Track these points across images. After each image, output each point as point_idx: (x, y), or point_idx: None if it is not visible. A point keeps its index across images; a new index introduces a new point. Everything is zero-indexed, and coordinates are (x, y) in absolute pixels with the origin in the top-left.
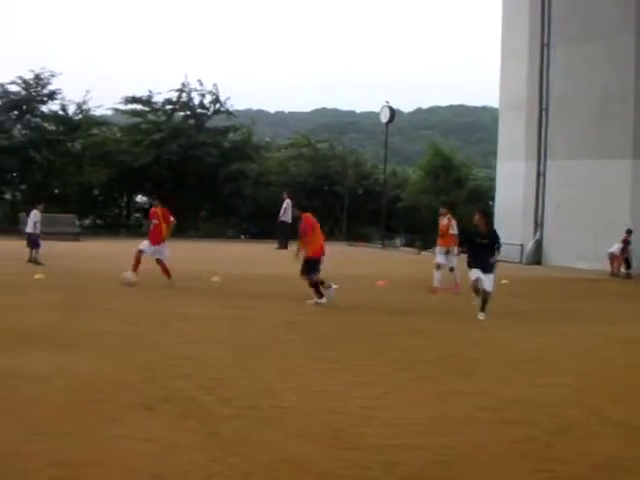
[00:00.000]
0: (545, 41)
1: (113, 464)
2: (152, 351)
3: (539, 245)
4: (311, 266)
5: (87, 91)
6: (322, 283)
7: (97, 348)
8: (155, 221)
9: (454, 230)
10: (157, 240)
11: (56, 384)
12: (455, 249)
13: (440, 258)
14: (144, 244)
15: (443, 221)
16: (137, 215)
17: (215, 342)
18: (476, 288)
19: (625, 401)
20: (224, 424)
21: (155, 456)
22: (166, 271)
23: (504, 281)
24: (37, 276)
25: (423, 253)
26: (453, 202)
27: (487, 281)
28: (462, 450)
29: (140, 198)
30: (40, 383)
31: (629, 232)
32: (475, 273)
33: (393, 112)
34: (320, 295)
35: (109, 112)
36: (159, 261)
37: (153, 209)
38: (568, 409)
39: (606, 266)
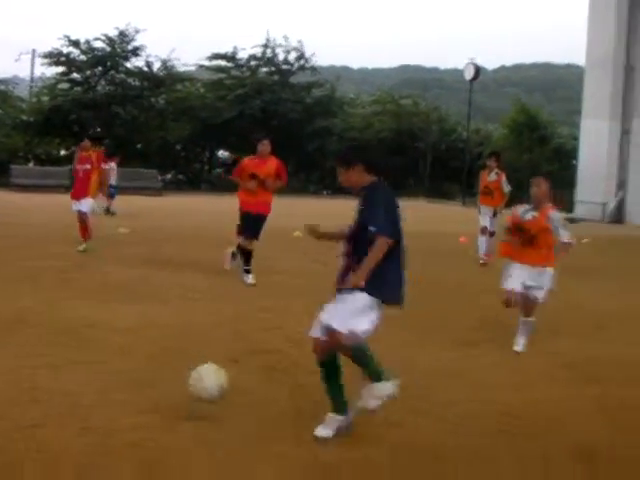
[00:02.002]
0: None
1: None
2: (240, 303)
3: (621, 204)
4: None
5: (172, 49)
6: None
7: (183, 301)
8: (87, 166)
9: (507, 187)
10: (82, 192)
11: (144, 335)
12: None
13: (485, 221)
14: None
15: (491, 176)
16: (219, 170)
17: (301, 295)
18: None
19: None
20: (310, 377)
21: (244, 407)
22: (84, 230)
23: (585, 240)
24: (121, 229)
25: (503, 211)
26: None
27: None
28: (540, 406)
29: (222, 153)
30: (128, 334)
31: None
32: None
33: (477, 69)
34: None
35: (193, 69)
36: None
37: (84, 153)
38: (637, 366)
39: None
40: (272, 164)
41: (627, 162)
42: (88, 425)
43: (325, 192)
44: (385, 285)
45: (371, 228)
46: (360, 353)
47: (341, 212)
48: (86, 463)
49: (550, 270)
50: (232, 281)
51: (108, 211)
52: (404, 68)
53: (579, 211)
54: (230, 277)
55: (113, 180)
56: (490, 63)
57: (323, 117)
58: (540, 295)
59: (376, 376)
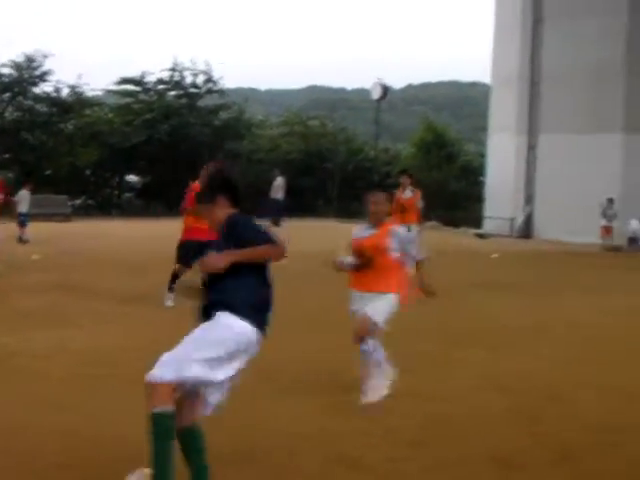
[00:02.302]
0: (537, 16)
1: (126, 436)
2: (156, 328)
3: (529, 219)
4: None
5: (80, 74)
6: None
7: (96, 325)
8: None
9: (420, 204)
10: None
11: (57, 360)
12: (416, 227)
13: None
14: None
15: (406, 193)
16: (128, 195)
17: None
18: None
19: (616, 370)
20: None
21: None
22: None
23: (495, 255)
24: (34, 256)
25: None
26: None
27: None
28: (458, 415)
29: (132, 178)
30: (41, 360)
31: (610, 201)
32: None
33: (385, 89)
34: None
35: (102, 94)
36: None
37: None
38: (559, 378)
39: (595, 239)
40: None
41: (534, 177)
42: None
43: None
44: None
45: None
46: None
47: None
48: None
49: (391, 296)
50: (146, 306)
51: (20, 239)
52: (311, 89)
53: (488, 227)
54: (143, 302)
55: (24, 207)
56: (397, 82)
57: (232, 140)
58: (379, 318)
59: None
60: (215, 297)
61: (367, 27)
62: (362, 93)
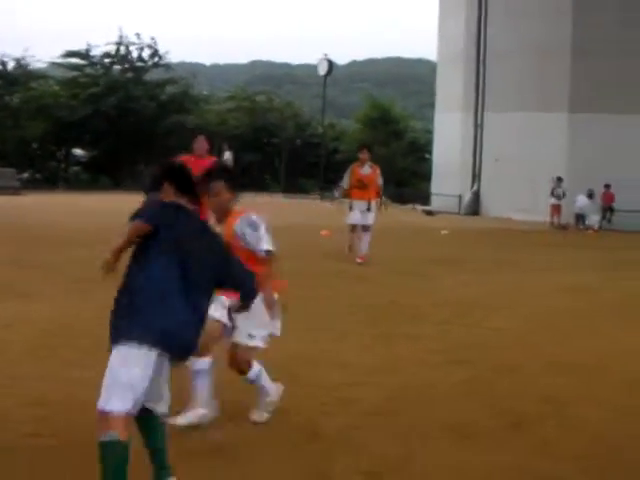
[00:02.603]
0: None
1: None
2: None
3: (477, 196)
4: None
5: (27, 47)
6: None
7: (51, 298)
8: None
9: (380, 180)
10: None
11: (17, 331)
12: (376, 203)
13: (355, 217)
14: None
15: (364, 169)
16: (75, 168)
17: None
18: None
19: (565, 344)
20: None
21: None
22: None
23: (444, 231)
24: None
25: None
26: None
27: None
28: (416, 388)
29: (78, 151)
30: (2, 330)
31: (559, 180)
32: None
33: (331, 65)
34: None
35: (48, 67)
36: None
37: None
38: (511, 351)
39: (542, 217)
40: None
41: (481, 155)
42: None
43: None
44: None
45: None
46: None
47: None
48: None
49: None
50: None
51: None
52: (255, 64)
53: (435, 204)
54: (96, 274)
55: None
56: (341, 58)
57: (178, 114)
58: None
59: None
60: None
61: (311, 2)
62: (307, 68)
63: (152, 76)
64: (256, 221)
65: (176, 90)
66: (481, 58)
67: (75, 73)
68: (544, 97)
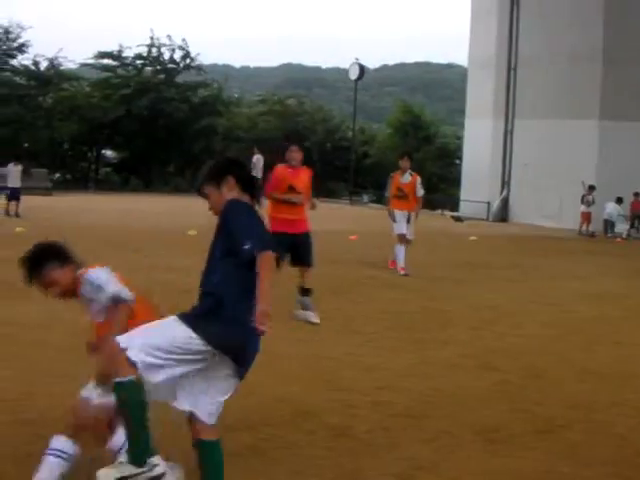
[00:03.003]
0: None
1: None
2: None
3: (505, 203)
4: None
5: (60, 48)
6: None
7: None
8: None
9: (421, 191)
10: None
11: (53, 330)
12: (414, 214)
13: (402, 227)
14: None
15: (405, 177)
16: (106, 169)
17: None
18: None
19: (591, 350)
20: None
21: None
22: None
23: (472, 237)
24: (18, 229)
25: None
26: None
27: None
28: (446, 391)
29: (109, 153)
30: (41, 330)
31: (591, 188)
32: None
33: (362, 69)
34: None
35: (81, 68)
36: None
37: None
38: (540, 357)
39: (571, 224)
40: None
41: (510, 161)
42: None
43: None
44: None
45: (245, 246)
46: None
47: None
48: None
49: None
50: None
51: (7, 213)
52: (286, 67)
53: (464, 210)
54: (130, 275)
55: (13, 182)
56: (372, 62)
57: (209, 116)
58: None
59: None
60: None
61: (342, 6)
62: (337, 72)
63: (184, 78)
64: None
65: (208, 93)
66: (512, 64)
67: (107, 74)
68: (574, 104)
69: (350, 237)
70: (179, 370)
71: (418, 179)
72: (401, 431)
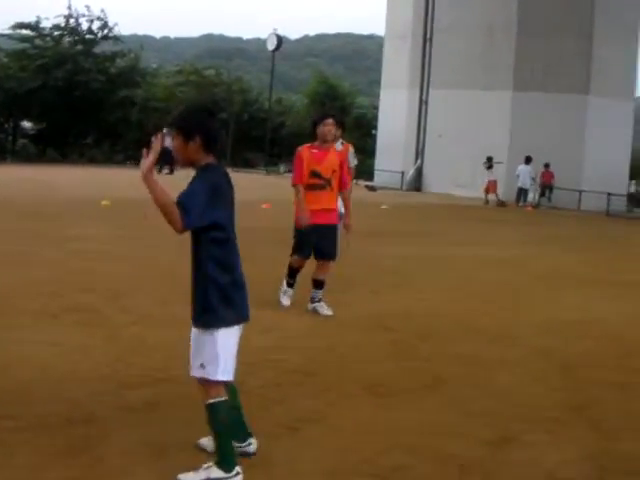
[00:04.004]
0: None
1: (24, 364)
2: (51, 267)
3: (419, 172)
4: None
5: None
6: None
7: None
8: None
9: (354, 161)
10: None
11: None
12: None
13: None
14: None
15: (336, 146)
16: (23, 141)
17: (112, 259)
18: None
19: (485, 313)
20: (123, 329)
21: (63, 356)
22: None
23: (384, 206)
24: None
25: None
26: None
27: None
28: (338, 350)
29: (26, 124)
30: None
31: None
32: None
33: (280, 40)
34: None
35: None
36: None
37: None
38: (434, 318)
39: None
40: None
41: (425, 131)
42: None
43: (128, 162)
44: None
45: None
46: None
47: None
48: None
49: None
50: (44, 246)
51: None
52: (207, 37)
53: (379, 179)
54: (40, 244)
55: None
56: (293, 33)
57: (126, 87)
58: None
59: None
60: None
61: None
62: (258, 43)
63: (102, 49)
64: None
65: (125, 63)
66: (428, 35)
67: (24, 45)
68: (488, 75)
69: (263, 205)
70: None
71: (351, 148)
72: (292, 386)
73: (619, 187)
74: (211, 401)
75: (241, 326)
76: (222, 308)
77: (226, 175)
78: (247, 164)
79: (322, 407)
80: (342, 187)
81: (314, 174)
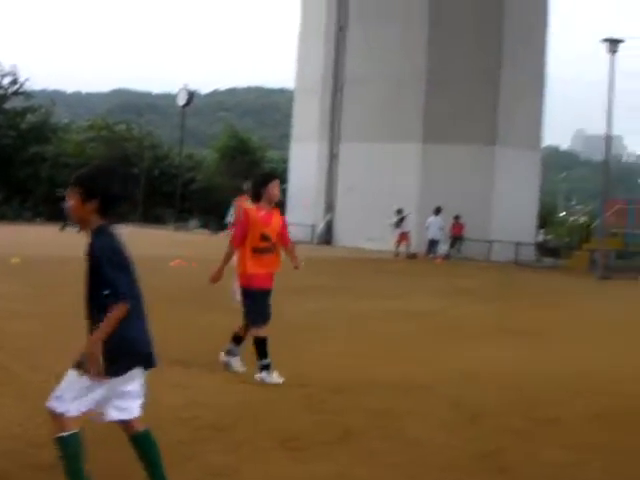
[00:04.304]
0: (341, 24)
1: None
2: None
3: (330, 226)
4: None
5: None
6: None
7: None
8: None
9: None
10: None
11: None
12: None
13: None
14: None
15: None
16: None
17: (22, 317)
18: None
19: (391, 364)
20: (33, 387)
21: None
22: None
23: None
24: None
25: (217, 234)
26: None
27: None
28: (252, 406)
29: None
30: None
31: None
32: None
33: (191, 95)
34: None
35: None
36: None
37: None
38: (345, 372)
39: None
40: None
41: (335, 185)
42: None
43: (38, 219)
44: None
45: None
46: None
47: (55, 239)
48: None
49: None
50: None
51: None
52: (118, 92)
53: (290, 233)
54: None
55: None
56: (204, 87)
57: (37, 143)
58: None
59: None
60: None
61: (174, 31)
62: (168, 98)
63: (13, 104)
64: None
65: (36, 119)
66: (337, 88)
67: None
68: (398, 128)
69: (173, 262)
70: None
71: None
72: (204, 443)
73: (528, 236)
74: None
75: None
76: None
77: (119, 236)
78: (157, 220)
79: (235, 462)
80: (285, 243)
81: (264, 237)
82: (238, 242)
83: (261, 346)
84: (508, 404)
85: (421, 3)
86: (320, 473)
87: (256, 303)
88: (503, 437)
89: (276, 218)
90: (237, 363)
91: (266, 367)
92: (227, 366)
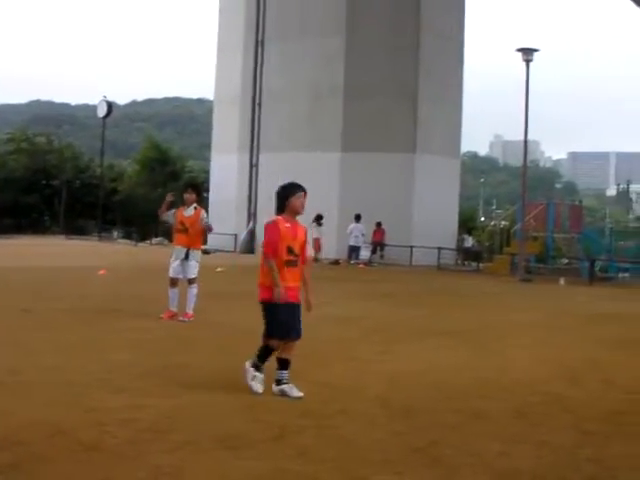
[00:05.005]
0: (260, 37)
1: None
2: None
3: (252, 234)
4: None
5: None
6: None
7: None
8: None
9: (205, 222)
10: None
11: None
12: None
13: (176, 269)
14: None
15: (188, 210)
16: None
17: None
18: None
19: (326, 367)
20: None
21: None
22: None
23: (219, 269)
24: None
25: (140, 244)
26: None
27: None
28: (191, 408)
29: None
30: None
31: (319, 218)
32: None
33: (110, 106)
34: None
35: None
36: None
37: None
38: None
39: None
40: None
41: (256, 194)
42: None
43: None
44: None
45: None
46: None
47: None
48: None
49: None
50: None
51: None
52: (35, 103)
53: (212, 242)
54: None
55: None
56: (121, 98)
57: None
58: None
59: None
60: None
61: (88, 41)
62: (87, 109)
63: None
64: None
65: None
66: (257, 100)
67: None
68: (317, 137)
69: (100, 272)
70: None
71: (202, 213)
72: (147, 443)
73: (449, 241)
74: None
75: None
76: None
77: None
78: (80, 231)
79: (178, 462)
80: (304, 262)
81: (290, 251)
82: (270, 254)
83: (266, 352)
84: (438, 400)
85: (338, 15)
86: (258, 469)
87: (279, 316)
88: (435, 431)
89: (300, 231)
90: (293, 390)
91: (257, 367)
92: (283, 393)
